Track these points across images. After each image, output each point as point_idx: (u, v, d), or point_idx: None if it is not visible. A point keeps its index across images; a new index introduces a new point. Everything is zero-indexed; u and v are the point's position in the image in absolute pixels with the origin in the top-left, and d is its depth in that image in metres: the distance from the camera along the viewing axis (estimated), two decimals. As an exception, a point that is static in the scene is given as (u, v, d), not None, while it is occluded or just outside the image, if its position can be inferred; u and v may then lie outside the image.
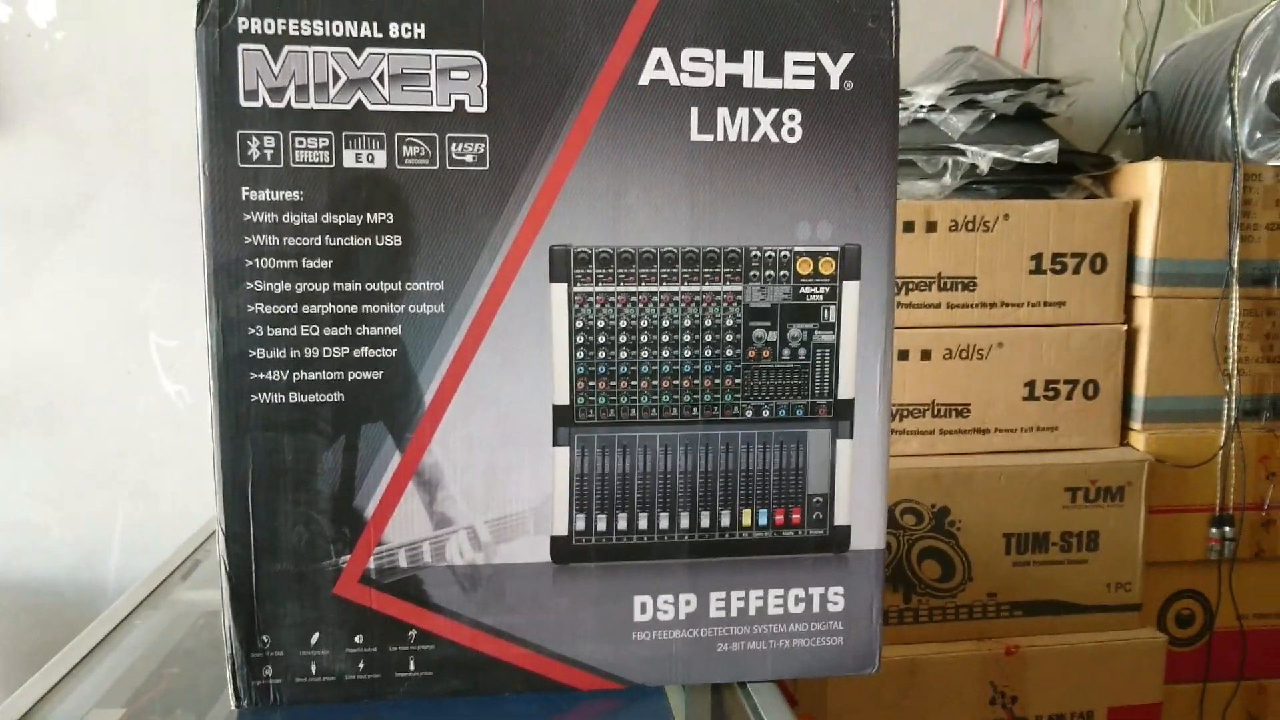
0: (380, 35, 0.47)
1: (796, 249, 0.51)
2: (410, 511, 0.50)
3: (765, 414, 0.53)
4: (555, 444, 0.51)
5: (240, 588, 0.49)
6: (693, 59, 0.49)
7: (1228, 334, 1.15)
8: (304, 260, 0.47)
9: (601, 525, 0.52)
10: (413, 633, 0.51)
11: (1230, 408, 1.16)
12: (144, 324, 1.35)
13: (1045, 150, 1.15)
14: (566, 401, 0.51)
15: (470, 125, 0.48)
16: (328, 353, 0.48)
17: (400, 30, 0.47)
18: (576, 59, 0.48)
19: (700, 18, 0.49)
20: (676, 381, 0.52)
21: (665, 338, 0.51)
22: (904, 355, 1.13)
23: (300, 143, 0.47)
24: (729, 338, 0.52)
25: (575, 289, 0.50)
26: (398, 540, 0.50)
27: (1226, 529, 1.18)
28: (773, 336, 0.52)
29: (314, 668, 0.50)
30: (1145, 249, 1.15)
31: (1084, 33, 1.49)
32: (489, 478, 0.50)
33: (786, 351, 0.52)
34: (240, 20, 0.45)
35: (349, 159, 0.47)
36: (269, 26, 0.46)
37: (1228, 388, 1.16)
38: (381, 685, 0.51)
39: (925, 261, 1.13)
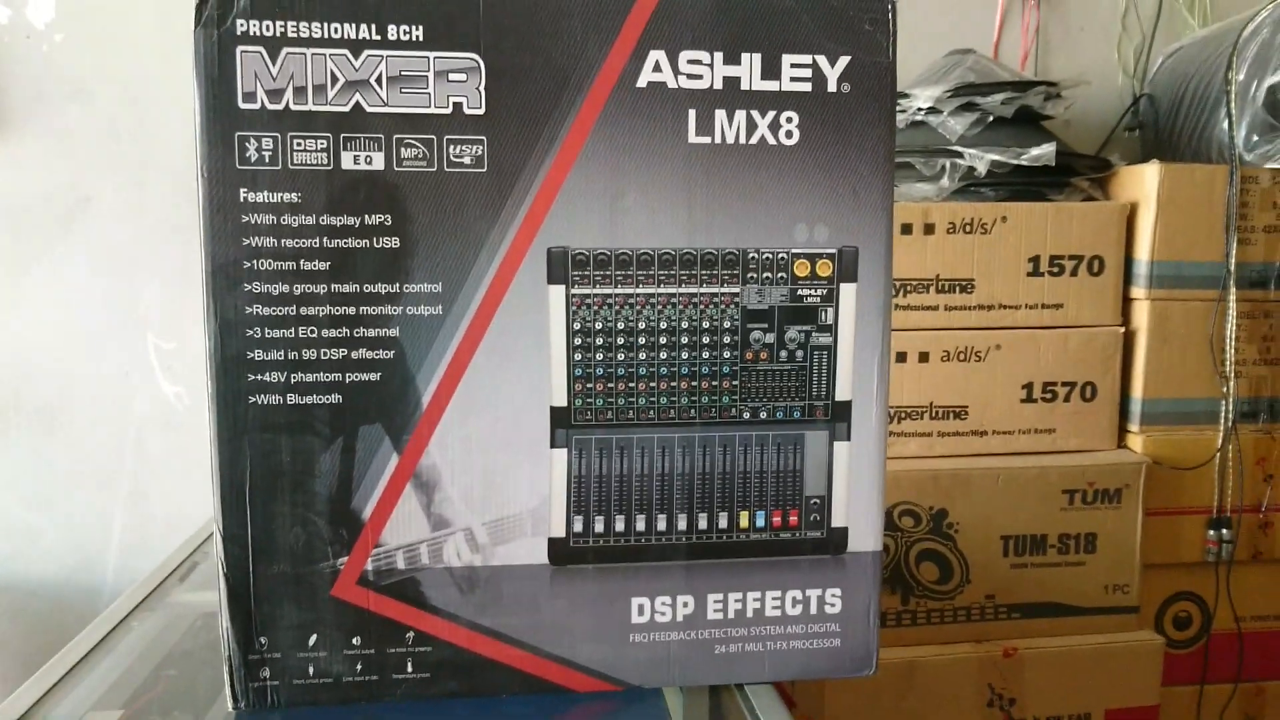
0: (378, 37, 0.47)
1: (794, 251, 0.51)
2: (408, 513, 0.50)
3: (763, 416, 0.53)
4: (553, 446, 0.51)
5: (238, 589, 0.49)
6: (690, 61, 0.49)
7: (1225, 336, 1.16)
8: (302, 262, 0.47)
9: (599, 527, 0.52)
10: (410, 634, 0.51)
11: (1228, 410, 1.16)
12: (142, 325, 1.35)
13: (1043, 153, 1.15)
14: (564, 403, 0.51)
15: (468, 127, 0.48)
16: (326, 354, 0.48)
17: (398, 32, 0.47)
18: (574, 61, 0.48)
19: (698, 20, 0.49)
20: (674, 383, 0.52)
21: (663, 339, 0.51)
22: (902, 357, 1.13)
23: (298, 144, 0.47)
24: (726, 339, 0.52)
25: (573, 291, 0.50)
26: (395, 542, 0.50)
27: (1224, 531, 1.18)
28: (770, 338, 0.52)
29: (312, 669, 0.50)
30: (1143, 251, 1.15)
31: (1081, 35, 1.49)
32: (487, 479, 0.50)
33: (784, 353, 0.52)
34: (239, 22, 0.45)
35: (347, 161, 0.47)
36: (267, 28, 0.46)
37: (1225, 390, 1.16)
38: (379, 687, 0.51)
39: (923, 263, 1.13)
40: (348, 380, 0.48)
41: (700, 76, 0.49)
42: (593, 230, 0.49)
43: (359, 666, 0.51)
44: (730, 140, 0.50)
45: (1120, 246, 1.16)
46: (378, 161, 0.47)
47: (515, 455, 0.50)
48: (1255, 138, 1.17)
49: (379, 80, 0.47)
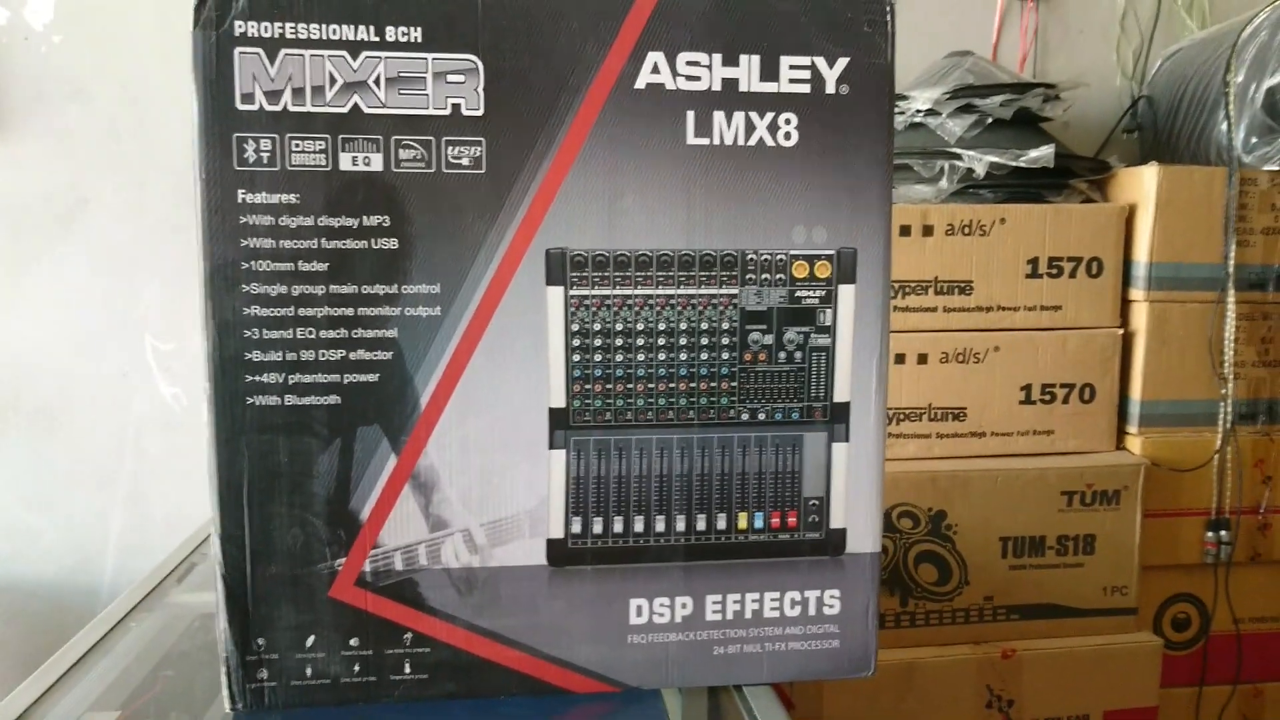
0: (377, 39, 0.47)
1: (792, 252, 0.51)
2: (406, 514, 0.50)
3: (761, 417, 0.53)
4: (551, 447, 0.51)
5: (235, 590, 0.49)
6: (689, 63, 0.49)
7: (1223, 338, 1.16)
8: (300, 263, 0.47)
9: (597, 528, 0.52)
10: (408, 635, 0.51)
11: (1226, 411, 1.16)
12: (140, 327, 1.35)
13: (1041, 155, 1.15)
14: (563, 404, 0.51)
15: (467, 128, 0.48)
16: (324, 355, 0.48)
17: (397, 34, 0.47)
18: (573, 63, 0.48)
19: (696, 22, 0.49)
20: (673, 384, 0.52)
21: (661, 341, 0.51)
22: (900, 359, 1.13)
23: (296, 146, 0.47)
24: (725, 341, 0.52)
25: (571, 292, 0.50)
26: (393, 543, 0.50)
27: (1222, 533, 1.18)
28: (769, 340, 0.52)
29: (309, 670, 0.50)
30: (1141, 253, 1.15)
31: (1080, 37, 1.49)
32: (485, 480, 0.50)
33: (782, 355, 0.52)
34: (237, 23, 0.45)
35: (345, 162, 0.47)
36: (265, 30, 0.46)
37: (1223, 391, 1.16)
38: (377, 688, 0.51)
39: (921, 265, 1.13)
40: (346, 381, 0.48)
41: (699, 78, 0.49)
42: (591, 231, 0.49)
43: (357, 667, 0.51)
44: (729, 141, 0.50)
45: (1119, 248, 1.16)
46: (376, 163, 0.47)
47: (513, 456, 0.50)
48: (1254, 140, 1.18)
49: (377, 81, 0.47)
